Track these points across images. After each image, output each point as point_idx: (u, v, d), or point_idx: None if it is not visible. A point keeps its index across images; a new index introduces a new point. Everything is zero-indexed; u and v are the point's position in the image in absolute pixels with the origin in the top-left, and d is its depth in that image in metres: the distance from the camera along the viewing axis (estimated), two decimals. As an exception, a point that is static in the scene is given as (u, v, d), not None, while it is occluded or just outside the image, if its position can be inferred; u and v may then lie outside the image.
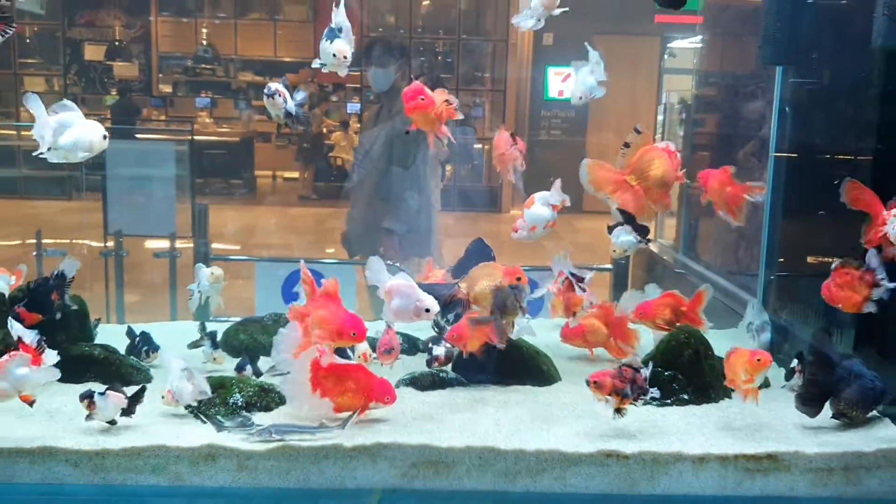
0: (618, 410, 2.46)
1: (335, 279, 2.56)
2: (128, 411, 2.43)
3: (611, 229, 2.94)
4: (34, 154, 2.47)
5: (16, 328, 2.39)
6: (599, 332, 3.13)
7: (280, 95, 2.70)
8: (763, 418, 2.66)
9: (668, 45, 13.73)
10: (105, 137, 2.52)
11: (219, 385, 2.59)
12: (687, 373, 2.71)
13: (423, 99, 2.69)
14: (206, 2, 17.79)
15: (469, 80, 16.31)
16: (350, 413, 2.47)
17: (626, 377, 2.46)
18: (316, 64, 2.71)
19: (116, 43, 17.25)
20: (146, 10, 17.16)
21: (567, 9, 2.79)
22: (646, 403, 2.55)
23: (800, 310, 3.36)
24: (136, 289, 6.59)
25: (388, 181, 5.59)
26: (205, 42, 17.92)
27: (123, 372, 2.76)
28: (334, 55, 2.66)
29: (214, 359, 2.97)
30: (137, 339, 3.01)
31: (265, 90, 2.73)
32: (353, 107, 16.23)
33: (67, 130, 2.48)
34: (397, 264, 5.35)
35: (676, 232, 6.30)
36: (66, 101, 2.51)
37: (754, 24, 4.72)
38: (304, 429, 2.41)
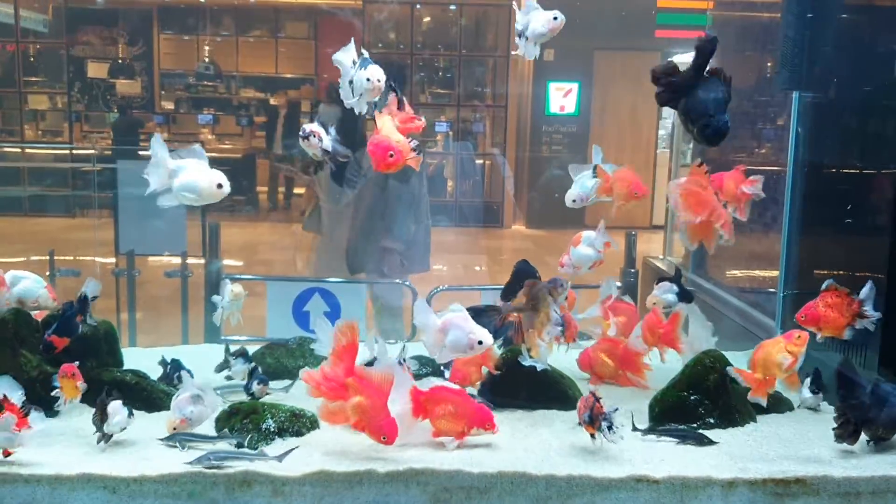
0: (592, 436, 2.52)
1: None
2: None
3: (659, 280, 3.05)
4: (146, 193, 2.52)
5: (3, 386, 2.42)
6: (606, 365, 3.20)
7: (315, 136, 2.74)
8: (789, 441, 2.69)
9: (670, 59, 13.70)
10: (220, 186, 2.54)
11: (251, 411, 2.62)
12: (713, 397, 2.74)
13: (392, 156, 2.68)
14: (207, 20, 17.85)
15: (470, 95, 16.36)
16: (289, 449, 2.47)
17: (587, 405, 2.51)
18: (347, 98, 2.73)
19: (119, 60, 17.32)
20: (149, 28, 17.23)
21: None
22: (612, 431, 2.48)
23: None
24: (143, 308, 6.59)
25: (385, 198, 5.64)
26: (206, 59, 17.98)
27: (155, 397, 2.78)
28: (368, 79, 2.69)
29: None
30: (169, 366, 3.02)
31: (300, 132, 2.76)
32: (357, 123, 16.23)
33: (181, 174, 2.52)
34: (407, 283, 5.40)
35: (686, 248, 6.32)
36: (196, 147, 2.57)
37: (757, 40, 4.78)
38: (242, 455, 2.43)
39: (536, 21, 2.82)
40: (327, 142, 2.76)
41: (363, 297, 5.55)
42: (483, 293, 5.54)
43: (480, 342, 2.56)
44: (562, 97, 15.08)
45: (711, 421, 2.72)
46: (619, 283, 3.33)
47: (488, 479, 2.41)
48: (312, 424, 2.66)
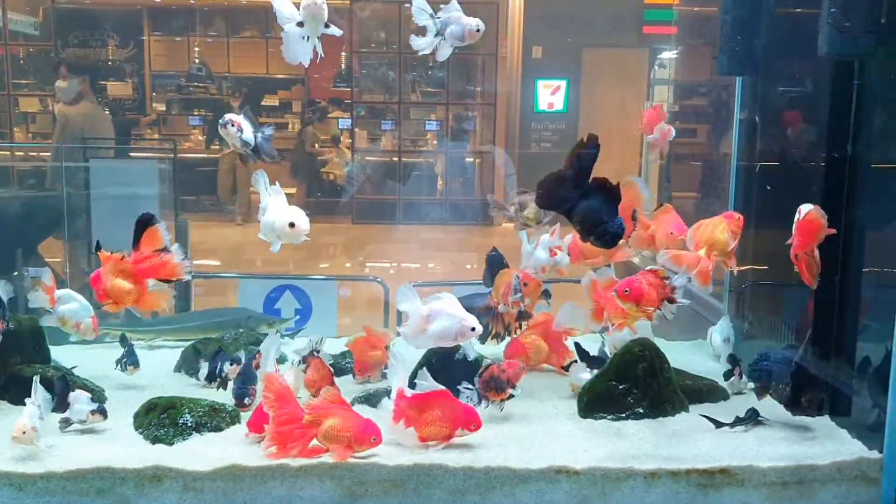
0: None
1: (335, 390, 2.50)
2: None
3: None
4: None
5: None
6: (541, 349, 3.17)
7: (234, 125, 2.69)
8: (718, 431, 2.64)
9: (659, 56, 13.76)
10: (292, 225, 2.58)
11: (169, 405, 2.57)
12: (642, 386, 2.69)
13: None
14: (198, 21, 17.81)
15: (461, 93, 16.31)
16: None
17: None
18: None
19: (109, 62, 17.29)
20: (139, 29, 17.19)
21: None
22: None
23: (766, 318, 3.35)
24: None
25: None
26: (197, 60, 17.95)
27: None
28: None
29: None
30: (125, 352, 3.04)
31: (220, 120, 2.72)
32: (345, 123, 16.24)
33: (267, 211, 2.63)
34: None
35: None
36: (276, 187, 2.67)
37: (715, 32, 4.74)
38: None
39: (458, 25, 2.76)
40: (248, 134, 2.71)
41: (335, 295, 5.52)
42: (457, 289, 5.50)
43: (473, 328, 2.50)
44: (550, 94, 15.03)
45: (640, 411, 2.67)
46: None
47: (404, 471, 2.36)
48: (232, 419, 2.61)
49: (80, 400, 2.56)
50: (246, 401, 2.74)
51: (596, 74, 14.55)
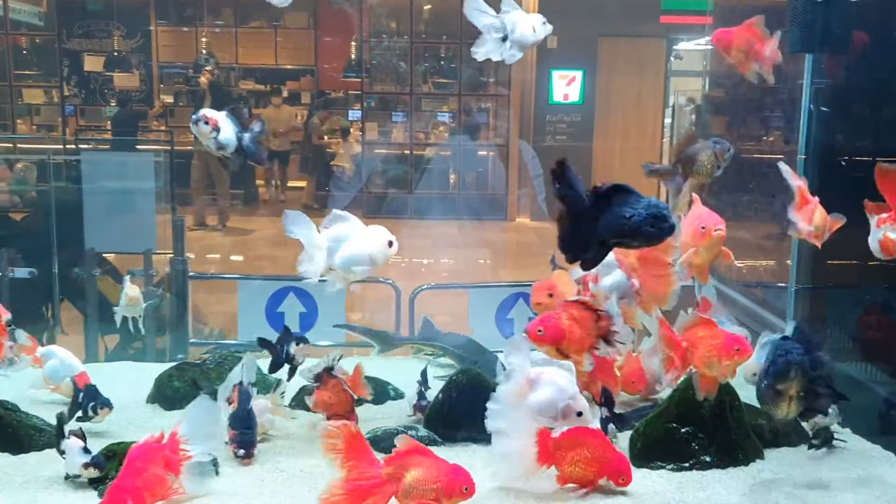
0: None
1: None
2: None
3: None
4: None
5: None
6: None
7: (208, 123, 2.24)
8: (797, 479, 2.19)
9: (675, 47, 13.37)
10: (390, 245, 2.27)
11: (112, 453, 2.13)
12: (709, 430, 2.24)
13: None
14: (205, 10, 17.55)
15: (474, 85, 15.95)
16: None
17: None
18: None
19: (115, 53, 17.01)
20: (145, 19, 16.90)
21: None
22: None
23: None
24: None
25: None
26: (205, 51, 17.71)
27: (22, 434, 2.30)
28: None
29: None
30: (82, 394, 2.56)
31: (192, 115, 2.28)
32: (355, 114, 15.91)
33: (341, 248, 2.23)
34: None
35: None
36: (337, 212, 2.29)
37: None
38: None
39: (523, 26, 2.34)
40: (228, 134, 2.26)
41: (342, 297, 5.14)
42: (471, 291, 5.09)
43: (580, 414, 2.05)
44: (565, 85, 14.69)
45: (707, 459, 2.22)
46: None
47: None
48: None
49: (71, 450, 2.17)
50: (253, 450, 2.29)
51: (612, 64, 14.21)
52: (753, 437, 2.31)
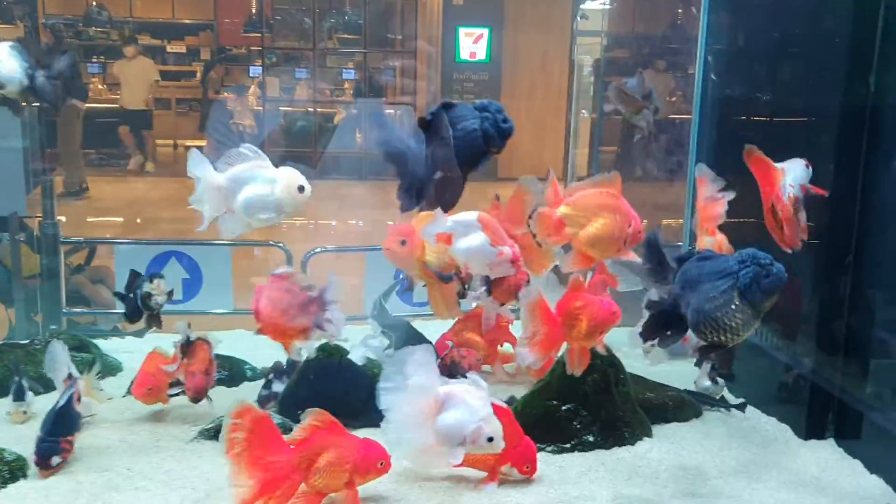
0: None
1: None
2: None
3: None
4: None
5: None
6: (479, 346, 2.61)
7: None
8: (687, 462, 2.10)
9: (581, 6, 13.38)
10: (301, 190, 2.02)
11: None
12: (592, 406, 2.13)
13: None
14: (97, -41, 16.73)
15: (379, 41, 15.66)
16: None
17: None
18: None
19: (-2, 4, 16.01)
20: (30, -33, 15.95)
21: None
22: None
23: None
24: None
25: None
26: (96, 3, 16.94)
27: None
28: None
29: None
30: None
31: None
32: (256, 70, 15.45)
33: (243, 189, 1.96)
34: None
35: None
36: (244, 148, 2.01)
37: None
38: None
39: None
40: (10, 70, 1.99)
41: (229, 262, 4.87)
42: (367, 255, 4.90)
43: (491, 439, 1.86)
44: (472, 43, 14.56)
45: (590, 439, 2.11)
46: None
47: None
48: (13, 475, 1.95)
49: None
50: (54, 461, 2.02)
51: (519, 22, 14.15)
52: (641, 413, 2.21)
